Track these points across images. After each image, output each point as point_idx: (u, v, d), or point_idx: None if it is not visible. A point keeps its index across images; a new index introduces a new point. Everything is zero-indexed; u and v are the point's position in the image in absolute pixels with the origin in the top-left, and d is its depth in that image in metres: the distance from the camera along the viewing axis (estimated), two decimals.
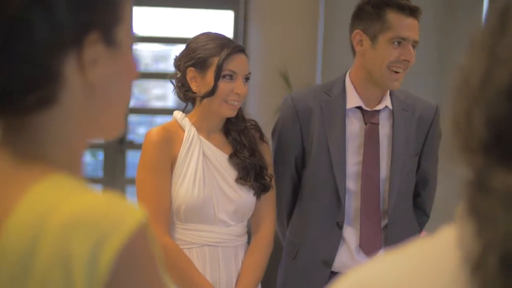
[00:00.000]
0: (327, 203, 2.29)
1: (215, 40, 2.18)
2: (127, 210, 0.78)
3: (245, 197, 2.21)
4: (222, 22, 5.41)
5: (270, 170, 2.27)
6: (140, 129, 5.92)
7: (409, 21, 2.23)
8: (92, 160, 6.00)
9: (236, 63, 2.16)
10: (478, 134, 0.62)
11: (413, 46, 2.26)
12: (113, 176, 5.35)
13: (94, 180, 5.72)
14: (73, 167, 0.86)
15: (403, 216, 2.34)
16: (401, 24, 2.22)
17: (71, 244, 0.75)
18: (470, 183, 0.63)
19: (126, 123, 0.93)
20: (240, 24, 5.23)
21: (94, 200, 0.79)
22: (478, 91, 0.62)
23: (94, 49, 0.83)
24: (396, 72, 2.23)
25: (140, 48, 5.85)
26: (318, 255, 2.30)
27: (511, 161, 0.60)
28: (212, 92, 2.15)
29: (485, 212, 0.60)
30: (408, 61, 2.24)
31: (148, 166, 2.16)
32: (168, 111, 4.86)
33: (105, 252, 0.75)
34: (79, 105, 0.85)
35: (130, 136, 5.30)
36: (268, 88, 4.97)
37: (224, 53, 2.14)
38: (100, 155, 5.62)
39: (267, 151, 2.31)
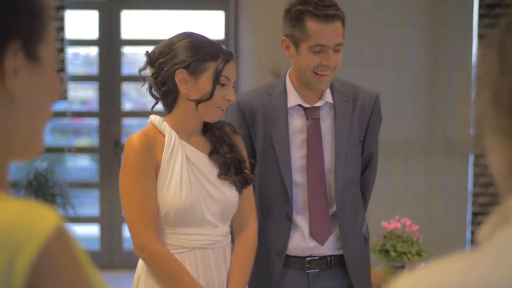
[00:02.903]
0: (276, 196, 2.40)
1: (209, 44, 2.17)
2: (39, 216, 0.76)
3: (228, 194, 2.21)
4: (213, 22, 5.42)
5: (248, 163, 2.29)
6: None
7: (328, 27, 2.27)
8: (88, 165, 6.02)
9: (230, 70, 2.17)
10: None
11: (337, 50, 2.31)
12: (109, 180, 5.37)
13: (90, 185, 5.74)
14: None
15: (351, 202, 2.44)
16: (319, 32, 2.26)
17: None
18: None
19: (43, 146, 0.91)
20: (231, 24, 5.23)
21: (5, 211, 0.77)
22: None
23: (15, 58, 0.83)
24: (322, 75, 2.30)
25: (137, 51, 5.87)
26: (272, 246, 2.42)
27: None
28: (210, 97, 2.14)
29: None
30: (328, 66, 2.29)
31: (132, 174, 2.13)
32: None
33: (19, 265, 0.73)
34: None
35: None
36: None
37: (223, 59, 2.14)
38: (96, 159, 5.64)
39: (241, 143, 2.33)
